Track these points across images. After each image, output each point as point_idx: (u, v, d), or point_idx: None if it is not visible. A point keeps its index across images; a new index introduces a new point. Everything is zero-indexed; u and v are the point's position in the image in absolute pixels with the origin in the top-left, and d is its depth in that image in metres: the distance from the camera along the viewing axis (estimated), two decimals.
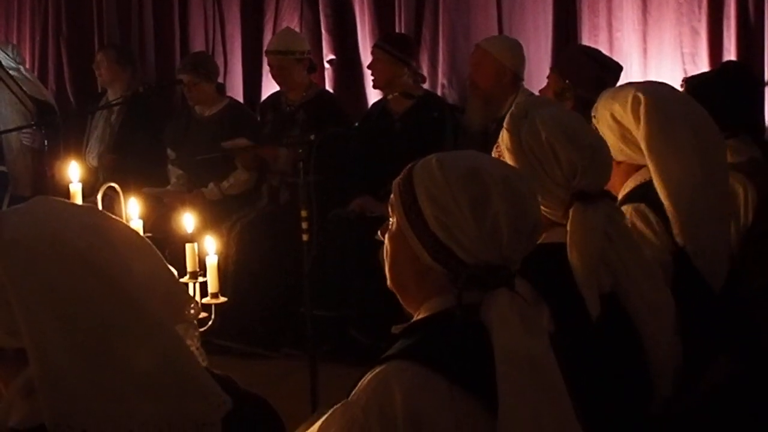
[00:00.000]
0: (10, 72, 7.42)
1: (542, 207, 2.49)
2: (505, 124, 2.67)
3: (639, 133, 3.07)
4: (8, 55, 7.61)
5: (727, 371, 2.97)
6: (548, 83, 5.50)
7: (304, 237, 4.72)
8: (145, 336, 1.67)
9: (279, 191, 6.57)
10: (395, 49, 6.25)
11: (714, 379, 2.96)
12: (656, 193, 3.06)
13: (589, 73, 5.43)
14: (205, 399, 1.70)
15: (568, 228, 2.54)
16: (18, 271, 1.64)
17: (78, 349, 1.62)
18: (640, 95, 3.06)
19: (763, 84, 5.96)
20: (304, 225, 4.72)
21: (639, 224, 3.04)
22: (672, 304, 2.70)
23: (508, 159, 2.61)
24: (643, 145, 3.07)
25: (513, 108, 2.69)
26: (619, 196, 3.14)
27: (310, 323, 4.78)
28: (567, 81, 5.33)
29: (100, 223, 1.76)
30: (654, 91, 3.11)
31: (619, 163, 3.12)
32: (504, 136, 2.66)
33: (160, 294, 1.75)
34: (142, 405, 1.63)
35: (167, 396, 1.66)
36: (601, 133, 3.08)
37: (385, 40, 6.47)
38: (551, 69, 5.62)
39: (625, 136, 3.11)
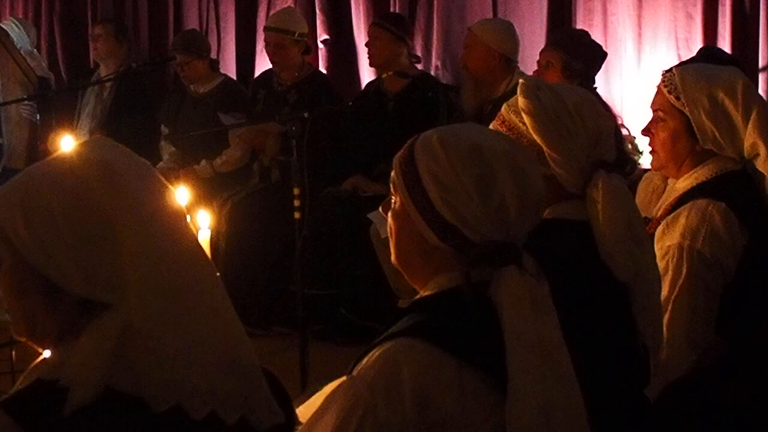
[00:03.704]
0: (17, 45, 7.41)
1: (560, 176, 2.50)
2: (519, 91, 2.57)
3: (748, 123, 2.99)
4: (20, 29, 7.60)
5: (719, 352, 2.97)
6: (544, 62, 5.48)
7: (296, 215, 4.71)
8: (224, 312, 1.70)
9: (270, 170, 6.55)
10: (394, 27, 6.24)
11: (704, 362, 2.96)
12: (739, 191, 3.01)
13: (594, 52, 5.51)
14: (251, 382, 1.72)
15: (599, 195, 2.46)
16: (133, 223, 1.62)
17: (172, 312, 1.62)
18: (750, 85, 3.00)
19: (756, 69, 5.97)
20: (296, 203, 4.70)
21: (717, 223, 2.96)
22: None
23: (528, 123, 2.53)
24: (755, 136, 2.98)
25: (521, 80, 2.61)
26: (684, 180, 3.09)
27: (301, 302, 4.76)
28: (574, 59, 5.34)
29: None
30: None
31: (701, 149, 3.05)
32: (521, 102, 2.55)
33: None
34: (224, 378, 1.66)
35: (238, 374, 1.68)
36: (690, 116, 3.02)
37: (383, 18, 6.47)
38: (548, 48, 5.60)
39: (725, 122, 3.01)
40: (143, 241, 1.60)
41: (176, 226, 1.67)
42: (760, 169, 3.03)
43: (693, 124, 3.03)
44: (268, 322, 5.99)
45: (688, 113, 3.02)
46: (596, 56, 5.67)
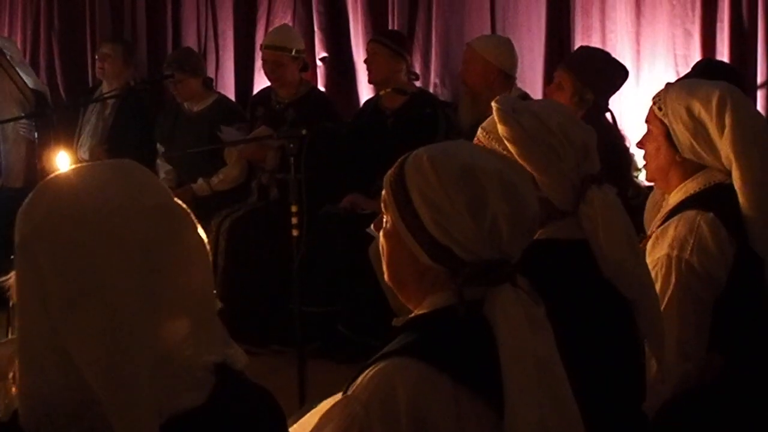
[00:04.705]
0: (11, 62, 7.41)
1: (550, 196, 2.47)
2: (497, 118, 2.52)
3: (722, 135, 3.02)
4: (11, 44, 7.63)
5: (718, 369, 2.96)
6: (557, 82, 5.43)
7: (294, 232, 4.70)
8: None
9: (268, 188, 6.54)
10: (394, 44, 6.24)
11: (706, 377, 2.95)
12: (727, 202, 3.03)
13: (609, 79, 5.44)
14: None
15: (594, 213, 2.45)
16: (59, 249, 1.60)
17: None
18: (727, 98, 3.02)
19: (754, 85, 5.97)
20: (294, 220, 4.69)
21: (705, 233, 2.98)
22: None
23: (514, 151, 2.49)
24: (728, 148, 3.02)
25: (495, 104, 2.54)
26: (675, 194, 3.13)
27: (299, 320, 4.76)
28: (585, 86, 5.28)
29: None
30: (738, 95, 3.07)
31: (682, 160, 3.10)
32: (501, 130, 2.50)
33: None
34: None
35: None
36: (669, 126, 3.08)
37: (383, 35, 6.48)
38: (562, 68, 5.55)
39: (700, 133, 3.05)
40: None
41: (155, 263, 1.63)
42: (734, 182, 3.05)
43: (672, 134, 3.08)
44: (265, 340, 5.97)
45: (667, 123, 3.08)
46: (610, 84, 5.52)
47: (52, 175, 1.72)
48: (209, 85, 6.93)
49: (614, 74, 5.55)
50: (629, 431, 2.48)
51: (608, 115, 5.44)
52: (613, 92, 5.55)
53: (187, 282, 1.67)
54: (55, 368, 1.59)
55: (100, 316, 1.56)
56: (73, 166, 1.74)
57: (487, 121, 2.60)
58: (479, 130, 2.62)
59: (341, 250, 5.90)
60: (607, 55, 5.74)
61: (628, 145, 5.60)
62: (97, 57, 7.43)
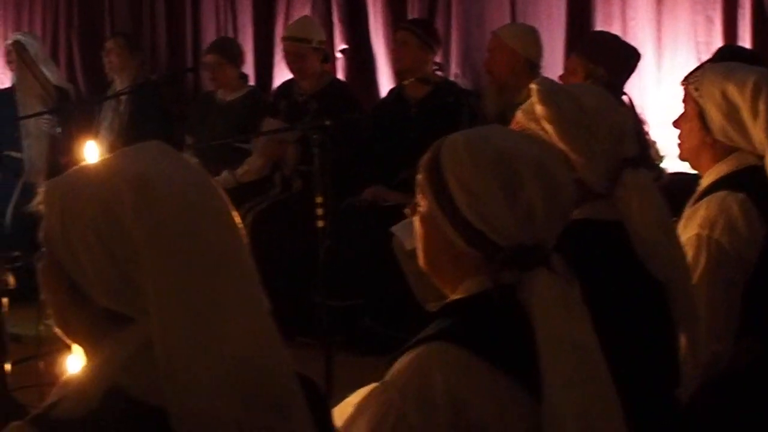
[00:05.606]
0: (35, 58, 7.44)
1: (585, 177, 2.47)
2: (535, 98, 2.55)
3: (756, 120, 3.02)
4: (34, 40, 7.65)
5: (749, 355, 2.95)
6: (570, 69, 5.43)
7: (320, 223, 4.69)
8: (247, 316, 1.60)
9: (291, 180, 6.53)
10: (424, 34, 6.22)
11: (736, 363, 2.94)
12: (759, 184, 3.02)
13: (620, 57, 5.44)
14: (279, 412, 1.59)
15: (629, 195, 2.46)
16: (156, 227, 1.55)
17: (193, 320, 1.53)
18: (762, 84, 3.02)
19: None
20: (319, 211, 4.68)
21: (735, 213, 2.99)
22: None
23: (549, 130, 2.51)
24: (761, 134, 3.02)
25: (535, 86, 2.58)
26: (707, 176, 3.14)
27: (325, 312, 4.75)
28: (597, 66, 5.28)
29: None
30: None
31: (714, 141, 3.10)
32: (539, 110, 2.53)
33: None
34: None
35: (267, 405, 1.57)
36: (703, 108, 3.08)
37: (413, 23, 6.45)
38: (573, 54, 5.55)
39: (733, 117, 3.05)
40: (167, 260, 1.54)
41: (213, 242, 1.58)
42: (766, 167, 3.05)
43: (705, 115, 3.09)
44: (290, 333, 5.96)
45: (702, 104, 3.09)
46: (622, 63, 5.52)
47: (84, 164, 1.70)
48: (245, 78, 7.01)
49: (624, 53, 5.57)
50: (663, 417, 2.46)
51: (625, 98, 5.41)
52: (627, 74, 5.53)
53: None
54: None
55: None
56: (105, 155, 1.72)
57: (526, 102, 2.62)
58: (518, 112, 2.64)
59: (364, 242, 5.89)
60: (617, 36, 5.79)
61: (647, 129, 5.57)
62: (103, 55, 7.47)
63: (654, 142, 5.55)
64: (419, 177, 2.07)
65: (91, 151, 3.56)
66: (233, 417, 1.54)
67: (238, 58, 6.88)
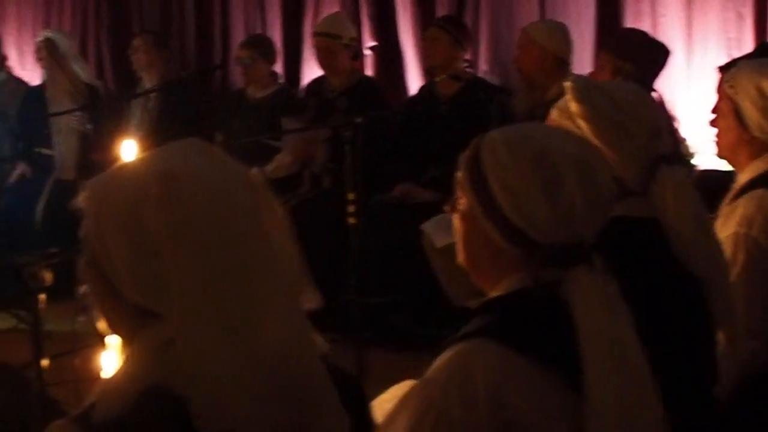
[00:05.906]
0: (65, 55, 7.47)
1: (620, 174, 2.45)
2: (570, 96, 2.55)
3: None
4: (64, 37, 7.68)
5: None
6: (600, 65, 5.44)
7: (351, 220, 4.69)
8: (281, 316, 1.60)
9: (321, 177, 6.54)
10: (456, 31, 6.22)
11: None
12: None
13: (649, 54, 5.42)
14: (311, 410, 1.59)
15: (665, 192, 2.46)
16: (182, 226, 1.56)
17: (221, 320, 1.54)
18: None
19: None
20: (351, 208, 4.68)
21: None
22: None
23: (584, 128, 2.51)
24: None
25: (569, 83, 2.58)
26: (745, 174, 3.13)
27: (355, 309, 4.75)
28: (626, 62, 5.27)
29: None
30: None
31: (751, 138, 3.10)
32: (574, 107, 2.53)
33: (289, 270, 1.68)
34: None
35: (295, 401, 1.57)
36: (738, 104, 3.08)
37: (445, 21, 6.43)
38: (603, 50, 5.55)
39: None
40: (192, 256, 1.55)
41: (245, 240, 1.60)
42: None
43: (741, 111, 3.08)
44: (320, 329, 5.96)
45: (738, 101, 3.08)
46: (651, 59, 5.50)
47: (126, 161, 1.72)
48: (276, 76, 7.04)
49: (653, 50, 5.56)
50: (701, 414, 2.46)
51: (655, 95, 5.39)
52: (657, 71, 5.51)
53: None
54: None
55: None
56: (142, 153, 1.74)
57: (560, 100, 2.62)
58: (553, 110, 2.63)
59: (394, 239, 5.88)
60: (645, 33, 5.77)
61: (677, 126, 5.55)
62: (130, 53, 7.50)
63: (684, 139, 5.53)
64: (459, 174, 2.08)
65: (128, 150, 3.57)
66: (263, 414, 1.54)
67: (271, 55, 6.92)
